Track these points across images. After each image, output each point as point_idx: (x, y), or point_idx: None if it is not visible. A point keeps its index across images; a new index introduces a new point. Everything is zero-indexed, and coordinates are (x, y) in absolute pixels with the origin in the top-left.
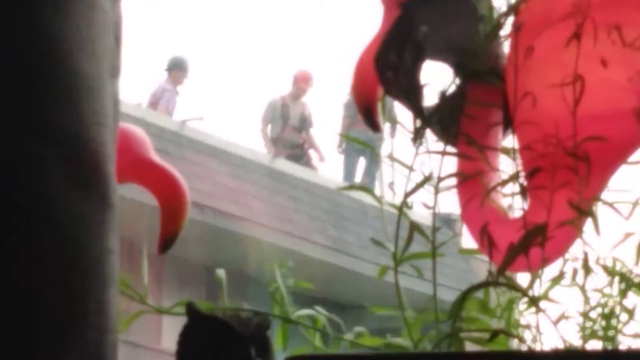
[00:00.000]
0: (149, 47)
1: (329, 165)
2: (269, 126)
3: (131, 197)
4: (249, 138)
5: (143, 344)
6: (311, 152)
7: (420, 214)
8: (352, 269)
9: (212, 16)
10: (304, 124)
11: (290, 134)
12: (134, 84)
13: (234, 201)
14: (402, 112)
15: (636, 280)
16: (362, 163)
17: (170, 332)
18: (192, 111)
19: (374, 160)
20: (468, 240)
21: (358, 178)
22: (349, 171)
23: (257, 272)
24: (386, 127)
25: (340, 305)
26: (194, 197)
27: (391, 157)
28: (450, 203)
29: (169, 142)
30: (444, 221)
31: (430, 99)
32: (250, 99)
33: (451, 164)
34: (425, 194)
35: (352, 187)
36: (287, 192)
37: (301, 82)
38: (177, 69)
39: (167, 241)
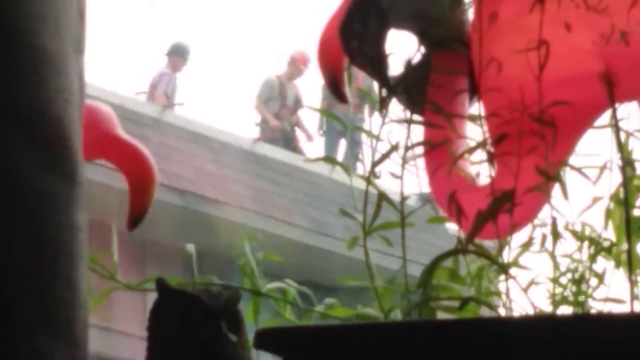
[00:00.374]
0: (148, 35)
1: (310, 147)
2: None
3: (101, 180)
4: (241, 122)
5: (129, 331)
6: (298, 133)
7: (394, 190)
8: (335, 251)
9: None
10: (297, 105)
11: (286, 113)
12: (134, 73)
13: (215, 186)
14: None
15: (605, 244)
16: (343, 145)
17: (124, 312)
18: (189, 96)
19: (354, 141)
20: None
21: (340, 159)
22: (330, 153)
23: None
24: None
25: (320, 286)
26: (175, 182)
27: (358, 128)
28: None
29: (148, 128)
30: (425, 199)
31: (395, 68)
32: (243, 83)
33: (419, 132)
34: (395, 165)
35: (319, 159)
36: (268, 175)
37: (299, 63)
38: (177, 54)
39: (136, 217)
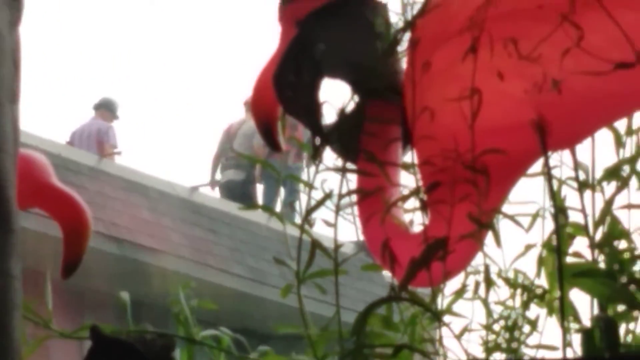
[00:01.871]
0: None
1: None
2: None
3: (35, 229)
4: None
5: None
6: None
7: (330, 237)
8: (270, 299)
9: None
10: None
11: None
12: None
13: (152, 234)
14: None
15: (538, 291)
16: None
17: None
18: (125, 145)
19: (293, 190)
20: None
21: (277, 208)
22: (269, 201)
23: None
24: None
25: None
26: (112, 231)
27: (291, 176)
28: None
29: (85, 177)
30: (361, 247)
31: (329, 116)
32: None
33: (353, 180)
34: (330, 213)
35: (251, 206)
36: (205, 224)
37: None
38: (106, 109)
39: (70, 264)
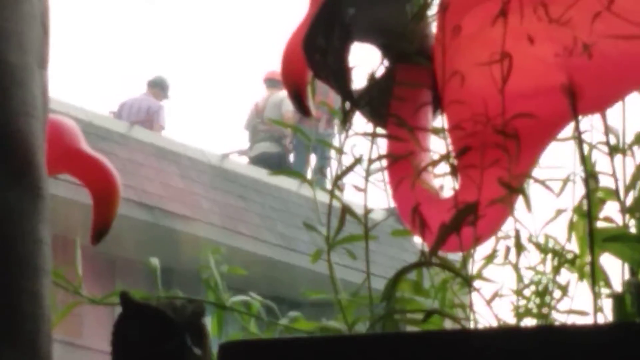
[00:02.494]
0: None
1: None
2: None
3: (65, 195)
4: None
5: (95, 346)
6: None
7: (359, 204)
8: (300, 265)
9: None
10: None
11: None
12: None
13: (183, 202)
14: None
15: (568, 256)
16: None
17: (91, 327)
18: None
19: (324, 157)
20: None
21: (309, 175)
22: (299, 167)
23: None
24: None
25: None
26: (143, 198)
27: (320, 141)
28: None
29: (116, 144)
30: (391, 213)
31: (359, 81)
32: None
33: (382, 146)
34: (360, 179)
35: (281, 172)
36: (236, 191)
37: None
38: (159, 88)
39: (100, 230)
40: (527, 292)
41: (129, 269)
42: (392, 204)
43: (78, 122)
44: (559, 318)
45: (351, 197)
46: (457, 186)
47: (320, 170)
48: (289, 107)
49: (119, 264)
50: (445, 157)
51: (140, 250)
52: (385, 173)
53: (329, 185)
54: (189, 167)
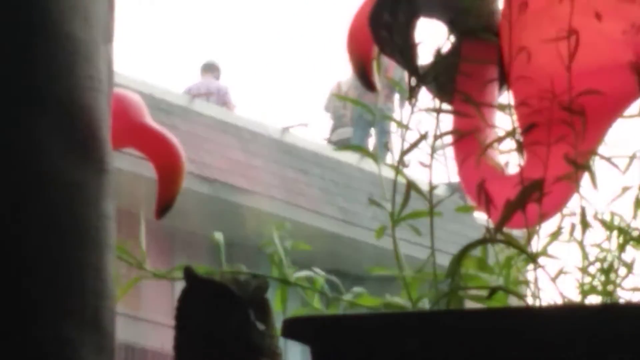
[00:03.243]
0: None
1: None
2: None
3: (129, 169)
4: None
5: (156, 320)
6: None
7: (423, 179)
8: (363, 240)
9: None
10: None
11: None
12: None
13: (244, 175)
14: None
15: (634, 234)
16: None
17: (149, 299)
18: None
19: (384, 131)
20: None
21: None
22: (360, 142)
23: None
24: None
25: (348, 275)
26: (204, 171)
27: (386, 116)
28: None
29: (177, 116)
30: (454, 189)
31: (425, 57)
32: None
33: (448, 122)
34: (424, 155)
35: (347, 147)
36: (297, 164)
37: None
38: (210, 72)
39: (164, 205)
40: (592, 270)
41: (188, 242)
42: (454, 180)
43: (139, 95)
44: (624, 296)
45: (415, 172)
46: (522, 163)
47: (386, 145)
48: (349, 81)
49: (178, 237)
50: (511, 134)
51: (199, 223)
52: (451, 149)
53: (390, 160)
54: (250, 140)
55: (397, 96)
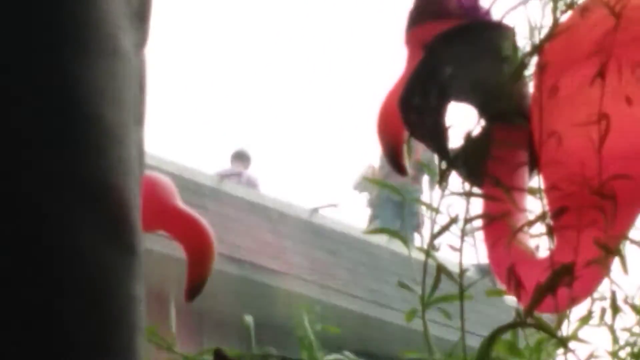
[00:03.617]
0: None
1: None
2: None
3: (159, 250)
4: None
5: None
6: None
7: (453, 261)
8: (392, 322)
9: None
10: None
11: None
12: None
13: (273, 256)
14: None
15: None
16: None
17: None
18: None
19: (412, 213)
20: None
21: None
22: (387, 223)
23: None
24: (425, 179)
25: (377, 357)
26: (232, 252)
27: (418, 200)
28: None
29: (206, 197)
30: (483, 271)
31: (455, 140)
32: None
33: (478, 205)
34: (454, 238)
35: (379, 230)
36: (326, 246)
37: None
38: (240, 160)
39: (194, 288)
40: (622, 354)
41: (217, 323)
42: (482, 261)
43: (168, 176)
44: None
45: (444, 253)
46: (553, 247)
47: (417, 228)
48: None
49: (208, 319)
50: (541, 218)
51: (229, 305)
52: (481, 232)
53: (419, 242)
54: (279, 221)
55: (425, 177)
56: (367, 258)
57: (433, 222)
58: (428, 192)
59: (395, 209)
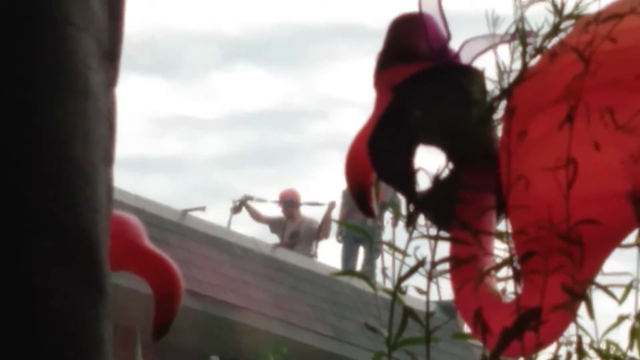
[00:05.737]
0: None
1: (328, 254)
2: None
3: (126, 285)
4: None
5: None
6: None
7: (419, 300)
8: (352, 358)
9: None
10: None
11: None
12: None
13: (234, 290)
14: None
15: None
16: (361, 252)
17: None
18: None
19: (373, 249)
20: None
21: (358, 267)
22: (348, 260)
23: None
24: (386, 216)
25: None
26: (194, 287)
27: (385, 243)
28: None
29: (169, 231)
30: (446, 309)
31: (423, 183)
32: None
33: (445, 248)
34: (421, 279)
35: (346, 272)
36: (287, 281)
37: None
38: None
39: (161, 328)
40: None
41: (178, 356)
42: (446, 298)
43: (131, 209)
44: None
45: (410, 291)
46: (519, 291)
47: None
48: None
49: (169, 353)
50: (508, 262)
51: (190, 338)
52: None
53: (379, 278)
54: (241, 256)
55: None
56: (329, 294)
57: (401, 264)
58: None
59: (356, 244)
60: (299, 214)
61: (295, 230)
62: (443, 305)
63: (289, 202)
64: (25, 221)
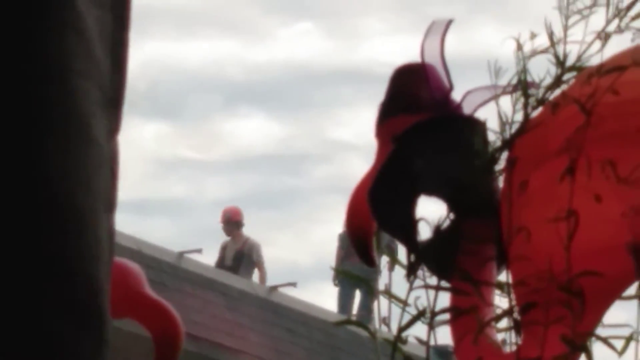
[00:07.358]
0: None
1: (325, 298)
2: None
3: (127, 329)
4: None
5: None
6: None
7: (417, 345)
8: None
9: None
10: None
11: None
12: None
13: (230, 333)
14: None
15: None
16: (358, 295)
17: None
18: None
19: (369, 293)
20: None
21: (354, 310)
22: (344, 304)
23: None
24: (383, 260)
25: None
26: (190, 329)
27: (386, 292)
28: (446, 335)
29: (165, 274)
30: (441, 353)
31: (424, 233)
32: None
33: (446, 298)
34: (421, 328)
35: (346, 321)
36: (283, 324)
37: (234, 217)
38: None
39: None
40: None
41: None
42: (442, 343)
43: (127, 251)
44: None
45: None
46: (519, 342)
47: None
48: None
49: None
50: (508, 313)
51: None
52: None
53: (376, 322)
54: (237, 298)
55: (383, 259)
56: (325, 337)
57: (401, 313)
58: (386, 272)
59: (353, 288)
60: (241, 233)
61: (239, 251)
62: (439, 350)
63: (227, 220)
64: (22, 265)
